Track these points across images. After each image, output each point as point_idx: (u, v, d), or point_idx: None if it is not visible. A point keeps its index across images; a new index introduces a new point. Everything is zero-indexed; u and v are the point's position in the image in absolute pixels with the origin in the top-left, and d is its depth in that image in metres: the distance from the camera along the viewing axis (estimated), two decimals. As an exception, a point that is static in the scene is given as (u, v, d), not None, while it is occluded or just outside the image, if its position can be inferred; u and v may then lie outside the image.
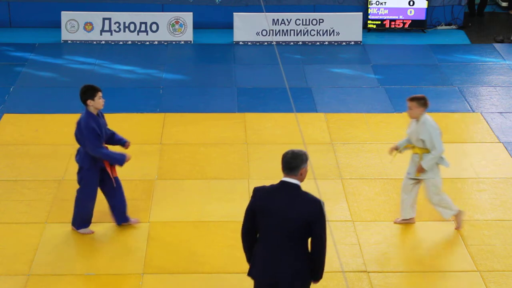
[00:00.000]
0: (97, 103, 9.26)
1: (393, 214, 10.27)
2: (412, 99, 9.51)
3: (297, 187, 6.71)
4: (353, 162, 11.57)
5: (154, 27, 16.40)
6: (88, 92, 9.27)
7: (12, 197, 10.58)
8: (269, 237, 6.74)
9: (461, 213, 9.90)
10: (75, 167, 11.30)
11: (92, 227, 9.90)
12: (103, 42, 16.39)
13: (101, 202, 10.46)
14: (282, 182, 6.75)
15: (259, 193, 6.85)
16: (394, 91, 14.15)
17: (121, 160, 9.35)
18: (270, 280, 6.81)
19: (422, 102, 9.48)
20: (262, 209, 6.74)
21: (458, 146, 12.13)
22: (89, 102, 9.23)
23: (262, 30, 16.42)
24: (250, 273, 6.99)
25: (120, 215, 9.79)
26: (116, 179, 9.59)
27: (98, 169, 9.38)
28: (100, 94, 9.30)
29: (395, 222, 10.07)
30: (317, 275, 6.93)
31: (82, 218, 9.63)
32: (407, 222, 10.02)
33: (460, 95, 14.00)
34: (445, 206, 9.81)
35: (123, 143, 9.64)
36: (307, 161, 6.77)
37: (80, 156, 9.36)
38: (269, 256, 6.78)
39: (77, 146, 12.00)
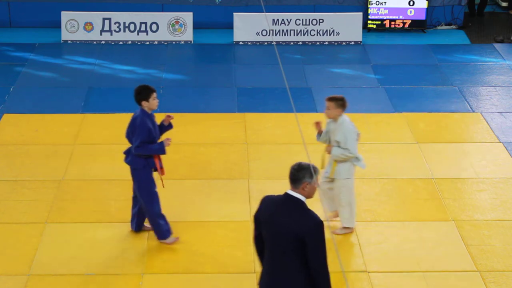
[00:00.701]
0: (152, 104, 9.17)
1: (393, 214, 10.27)
2: (331, 99, 9.33)
3: (300, 202, 6.48)
4: (353, 162, 11.57)
5: (154, 27, 16.40)
6: (143, 93, 9.16)
7: (12, 197, 10.58)
8: (268, 248, 6.65)
9: (352, 230, 9.75)
10: (75, 167, 11.34)
11: (92, 227, 9.91)
12: (103, 42, 16.39)
13: (101, 202, 10.47)
14: (285, 195, 6.57)
15: (264, 202, 6.77)
16: (394, 91, 14.15)
17: (161, 148, 9.13)
18: None
19: (340, 103, 9.30)
20: (263, 219, 6.68)
21: (458, 146, 12.13)
22: (144, 103, 9.15)
23: (262, 30, 16.41)
24: (259, 283, 6.90)
25: (141, 222, 9.67)
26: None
27: (150, 168, 9.22)
28: (154, 94, 9.19)
29: (328, 220, 9.95)
30: None
31: (163, 226, 9.35)
32: (335, 217, 9.91)
33: (460, 95, 14.00)
34: (349, 214, 9.61)
35: (166, 126, 9.45)
36: (314, 177, 6.49)
37: (132, 157, 9.19)
38: (266, 267, 6.70)
39: (77, 146, 12.02)
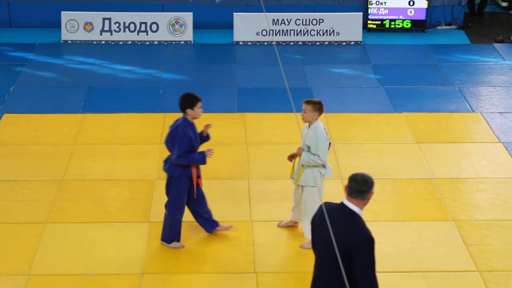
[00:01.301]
0: (196, 112, 9.02)
1: (393, 214, 10.27)
2: (308, 102, 9.14)
3: (354, 214, 6.29)
4: (353, 162, 11.57)
5: (154, 27, 16.40)
6: (189, 101, 8.99)
7: (12, 197, 10.58)
8: (318, 254, 6.55)
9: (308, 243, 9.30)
10: (75, 167, 11.34)
11: (92, 227, 9.91)
12: (103, 42, 16.39)
13: (101, 202, 10.47)
14: (342, 205, 6.36)
15: (320, 210, 6.51)
16: (394, 91, 14.15)
17: (202, 159, 9.06)
18: None
19: (317, 106, 9.12)
20: (316, 227, 6.55)
21: (458, 146, 12.13)
22: (189, 111, 8.99)
23: (262, 30, 16.41)
24: None
25: (209, 223, 9.64)
26: (199, 188, 9.39)
27: (187, 178, 9.15)
28: (200, 104, 9.03)
29: (279, 226, 9.89)
30: None
31: (174, 233, 9.38)
32: (289, 225, 9.84)
33: (460, 95, 14.00)
34: (305, 224, 9.37)
35: (204, 137, 9.34)
36: (373, 186, 6.34)
37: (170, 165, 9.12)
38: (315, 273, 6.59)
39: (77, 146, 12.03)
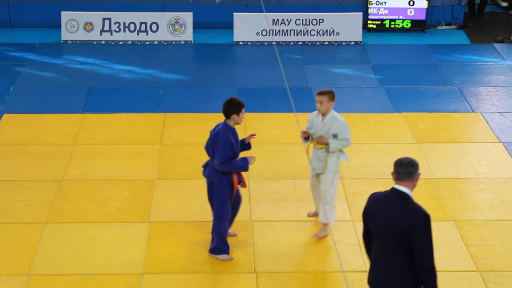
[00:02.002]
0: (240, 118, 8.98)
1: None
2: (323, 93, 9.30)
3: (406, 195, 6.68)
4: (353, 162, 11.56)
5: (154, 27, 16.40)
6: (235, 106, 8.91)
7: (12, 197, 10.58)
8: (376, 243, 6.83)
9: (329, 228, 9.69)
10: (75, 167, 11.34)
11: (92, 227, 9.91)
12: (103, 42, 16.39)
13: (101, 202, 10.47)
14: (392, 190, 6.75)
15: (370, 199, 6.92)
16: (394, 91, 14.15)
17: (245, 165, 9.01)
18: (374, 282, 6.87)
19: (331, 96, 9.32)
20: (370, 215, 6.85)
21: (458, 146, 12.13)
22: (234, 116, 8.93)
23: (262, 30, 16.41)
24: (368, 277, 7.04)
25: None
26: (238, 194, 9.36)
27: (228, 184, 9.08)
28: (244, 109, 8.98)
29: (308, 215, 10.06)
30: None
31: (222, 242, 9.24)
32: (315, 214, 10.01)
33: (460, 95, 14.00)
34: (332, 209, 9.59)
35: (246, 145, 9.32)
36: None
37: (210, 171, 9.09)
38: (374, 262, 6.88)
39: (77, 146, 12.03)
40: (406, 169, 6.74)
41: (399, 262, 6.65)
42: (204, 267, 9.15)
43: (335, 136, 9.36)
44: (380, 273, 6.78)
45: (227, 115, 8.94)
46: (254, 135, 9.31)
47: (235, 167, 9.00)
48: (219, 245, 9.24)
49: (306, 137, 9.54)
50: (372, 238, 6.87)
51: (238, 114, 8.92)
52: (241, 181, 9.19)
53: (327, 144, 9.36)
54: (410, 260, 6.61)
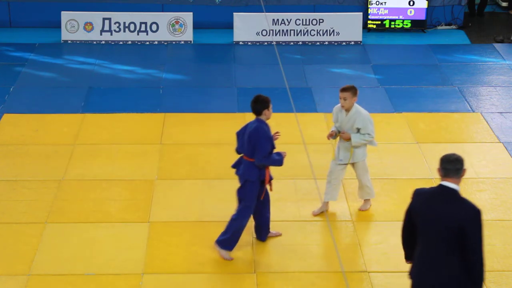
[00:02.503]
0: (270, 113, 9.13)
1: (393, 214, 10.26)
2: (347, 89, 9.66)
3: (455, 192, 6.82)
4: (353, 162, 11.57)
5: (154, 27, 16.40)
6: (264, 102, 9.04)
7: (12, 197, 10.58)
8: (424, 240, 6.92)
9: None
10: (75, 167, 11.34)
11: (92, 227, 9.91)
12: (103, 42, 16.39)
13: (101, 202, 10.47)
14: (440, 186, 6.86)
15: (417, 196, 7.01)
16: (394, 91, 14.15)
17: (281, 160, 9.13)
18: (425, 283, 6.94)
19: (354, 91, 9.70)
20: (418, 213, 6.94)
21: (458, 146, 12.13)
22: (265, 111, 9.06)
23: (262, 30, 16.41)
24: (410, 273, 7.18)
25: (266, 231, 9.61)
26: (266, 191, 9.39)
27: (260, 182, 9.15)
28: (271, 104, 9.16)
29: (314, 214, 10.14)
30: (475, 284, 6.80)
31: (234, 239, 9.25)
32: (321, 211, 10.14)
33: (460, 95, 14.00)
34: (371, 187, 10.19)
35: None
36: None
37: (245, 168, 9.12)
38: (423, 259, 6.94)
39: (77, 146, 12.02)
40: (454, 165, 6.80)
41: (449, 258, 6.75)
42: (204, 267, 9.15)
43: (358, 130, 9.72)
44: (429, 269, 6.87)
45: (259, 112, 9.07)
46: (278, 133, 9.46)
47: (273, 162, 9.13)
48: (230, 240, 9.23)
49: (332, 135, 9.88)
50: (420, 234, 6.95)
51: (268, 109, 9.09)
52: (271, 179, 9.32)
53: (349, 139, 9.75)
54: (460, 256, 6.70)
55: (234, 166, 9.33)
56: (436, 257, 6.82)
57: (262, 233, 9.59)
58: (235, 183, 10.96)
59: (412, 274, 7.10)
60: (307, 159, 10.73)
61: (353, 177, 11.14)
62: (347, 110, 9.74)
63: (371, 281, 8.94)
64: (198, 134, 12.40)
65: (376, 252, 9.48)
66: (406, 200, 10.52)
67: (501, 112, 13.34)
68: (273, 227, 9.90)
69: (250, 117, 12.94)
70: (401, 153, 11.89)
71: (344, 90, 9.69)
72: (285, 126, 12.68)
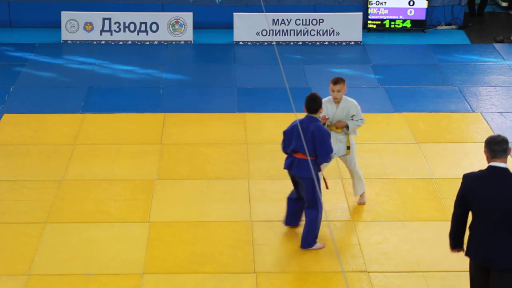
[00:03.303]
0: (322, 111, 9.37)
1: (393, 214, 10.26)
2: (340, 81, 9.92)
3: (506, 170, 7.08)
4: (353, 162, 11.57)
5: (154, 27, 16.40)
6: (319, 100, 9.23)
7: (12, 197, 10.58)
8: (482, 220, 7.14)
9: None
10: (75, 167, 11.34)
11: (92, 227, 9.92)
12: (103, 42, 16.39)
13: (101, 202, 10.47)
14: (491, 168, 7.12)
15: (467, 179, 7.29)
16: (394, 91, 14.16)
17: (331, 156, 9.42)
18: (485, 258, 7.21)
19: (344, 81, 10.00)
20: (472, 195, 7.16)
21: (458, 146, 12.13)
22: (321, 109, 9.27)
23: (262, 30, 16.41)
24: (467, 253, 7.41)
25: (298, 219, 9.78)
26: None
27: (318, 177, 9.34)
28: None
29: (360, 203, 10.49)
30: None
31: (316, 235, 9.46)
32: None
33: (460, 95, 14.00)
34: (362, 179, 10.32)
35: None
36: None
37: (306, 167, 9.12)
38: (483, 237, 7.18)
39: (77, 146, 12.01)
40: (501, 146, 7.04)
41: (508, 237, 7.02)
42: (204, 267, 9.15)
43: (351, 118, 9.96)
44: (494, 246, 7.09)
45: (315, 110, 9.21)
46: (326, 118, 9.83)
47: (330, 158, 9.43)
48: (311, 239, 9.41)
49: (324, 123, 9.94)
50: (477, 216, 7.17)
51: (322, 107, 9.31)
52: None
53: (345, 126, 9.95)
54: None
55: (287, 167, 9.35)
56: (493, 234, 7.08)
57: (298, 219, 9.77)
58: (235, 183, 10.97)
59: (470, 252, 7.33)
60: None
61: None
62: (339, 101, 9.96)
63: (371, 281, 8.94)
64: (198, 134, 12.40)
65: (376, 252, 9.48)
66: (406, 200, 10.58)
67: (501, 112, 13.35)
68: (273, 227, 9.90)
69: (250, 117, 13.01)
70: (401, 153, 11.89)
71: (337, 82, 9.93)
72: (285, 126, 12.66)
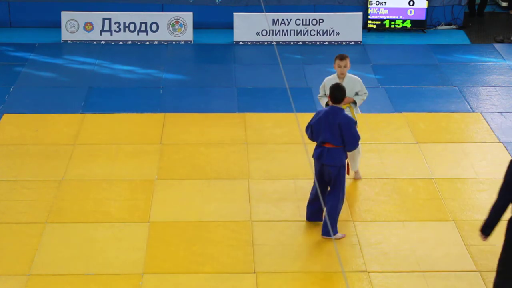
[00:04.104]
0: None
1: (393, 214, 10.26)
2: (346, 57, 10.24)
3: None
4: (353, 162, 11.57)
5: (154, 27, 16.40)
6: (344, 91, 9.45)
7: (12, 197, 10.58)
8: None
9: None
10: (75, 167, 11.34)
11: (92, 227, 9.92)
12: (103, 42, 16.39)
13: (101, 202, 10.47)
14: None
15: None
16: (394, 91, 14.16)
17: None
18: None
19: (349, 57, 10.43)
20: None
21: (458, 146, 12.13)
22: (346, 99, 9.68)
23: (262, 30, 16.41)
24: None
25: (320, 215, 9.94)
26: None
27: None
28: None
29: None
30: None
31: (335, 224, 9.66)
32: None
33: (460, 95, 14.00)
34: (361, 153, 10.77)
35: None
36: None
37: (336, 155, 9.39)
38: None
39: (77, 146, 12.01)
40: None
41: None
42: (204, 267, 9.15)
43: (356, 93, 10.44)
44: None
45: (341, 100, 9.41)
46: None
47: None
48: (335, 225, 9.59)
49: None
50: None
51: (346, 97, 9.68)
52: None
53: (352, 102, 10.41)
54: None
55: (317, 157, 9.50)
56: None
57: (321, 213, 9.91)
58: (235, 183, 10.98)
59: None
60: (307, 159, 10.74)
61: (353, 177, 11.14)
62: (344, 77, 10.29)
63: (371, 281, 8.94)
64: (198, 134, 12.40)
65: (376, 252, 9.49)
66: (406, 200, 10.59)
67: (501, 112, 13.35)
68: (273, 227, 9.91)
69: (250, 117, 13.01)
70: (401, 153, 11.89)
71: (343, 57, 10.25)
72: (285, 126, 12.69)
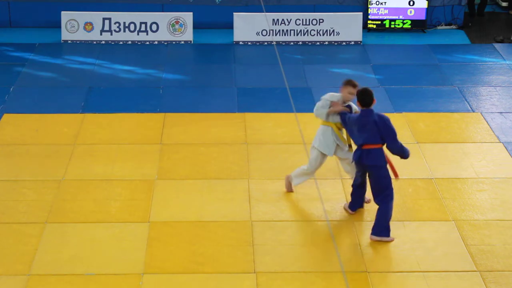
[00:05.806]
0: None
1: (393, 214, 10.24)
2: (357, 85, 10.02)
3: None
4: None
5: (154, 27, 16.40)
6: (371, 94, 9.59)
7: (12, 197, 10.58)
8: None
9: None
10: (75, 167, 11.34)
11: (92, 227, 9.92)
12: (103, 42, 16.39)
13: (101, 202, 10.47)
14: None
15: None
16: (394, 91, 14.16)
17: (408, 151, 9.66)
18: None
19: None
20: None
21: (458, 146, 12.13)
22: (374, 101, 9.68)
23: (262, 30, 16.42)
24: None
25: (360, 204, 10.18)
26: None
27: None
28: None
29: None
30: None
31: (387, 224, 9.68)
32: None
33: (460, 95, 14.00)
34: None
35: None
36: None
37: (377, 155, 9.51)
38: None
39: (77, 146, 12.02)
40: None
41: None
42: (204, 267, 9.15)
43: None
44: None
45: (370, 103, 9.60)
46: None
47: (406, 150, 9.74)
48: (388, 227, 9.62)
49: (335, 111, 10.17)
50: None
51: (374, 99, 9.70)
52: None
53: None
54: None
55: (357, 159, 9.61)
56: None
57: (357, 206, 10.14)
58: (235, 183, 10.98)
59: None
60: (307, 159, 10.72)
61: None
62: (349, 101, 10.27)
63: (371, 281, 8.94)
64: (198, 134, 12.41)
65: (376, 252, 9.48)
66: (406, 200, 10.58)
67: (501, 112, 13.35)
68: (273, 227, 9.91)
69: (250, 117, 13.00)
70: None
71: (356, 85, 10.00)
72: (285, 126, 12.69)
